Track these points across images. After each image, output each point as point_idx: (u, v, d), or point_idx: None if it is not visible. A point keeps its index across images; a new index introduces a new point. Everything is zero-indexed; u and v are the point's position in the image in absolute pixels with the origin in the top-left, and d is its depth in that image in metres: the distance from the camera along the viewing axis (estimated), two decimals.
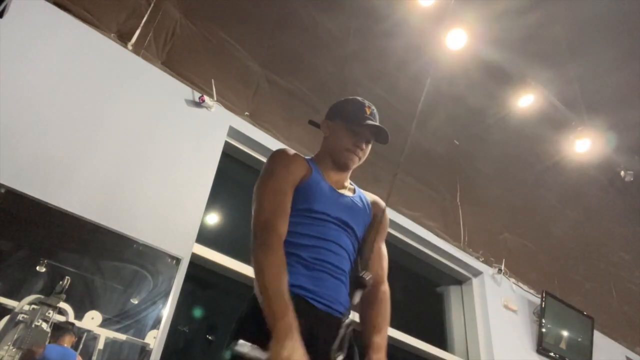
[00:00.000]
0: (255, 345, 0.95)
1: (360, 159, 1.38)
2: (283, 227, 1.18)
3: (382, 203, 1.44)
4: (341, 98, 1.46)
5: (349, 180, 1.44)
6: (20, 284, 1.56)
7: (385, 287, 1.31)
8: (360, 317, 1.26)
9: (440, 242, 3.28)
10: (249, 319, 1.11)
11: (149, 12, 2.31)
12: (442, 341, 3.26)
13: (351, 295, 1.21)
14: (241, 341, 0.95)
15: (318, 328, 1.11)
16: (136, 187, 1.95)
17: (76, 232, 1.74)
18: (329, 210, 1.27)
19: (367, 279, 1.16)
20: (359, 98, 1.42)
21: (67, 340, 1.60)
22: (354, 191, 1.42)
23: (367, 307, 1.26)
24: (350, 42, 2.92)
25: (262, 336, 1.03)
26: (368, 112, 1.37)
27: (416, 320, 3.22)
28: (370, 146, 1.40)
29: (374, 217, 1.41)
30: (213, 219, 2.41)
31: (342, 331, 1.06)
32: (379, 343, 1.19)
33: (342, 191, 1.37)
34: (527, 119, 3.26)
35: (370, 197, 1.45)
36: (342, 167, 1.38)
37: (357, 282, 1.16)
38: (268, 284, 1.05)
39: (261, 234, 1.15)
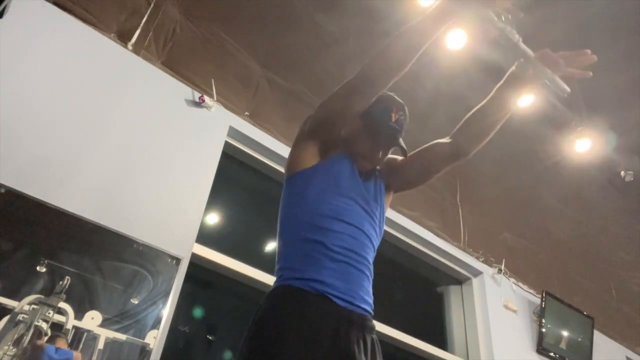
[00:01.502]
0: None
1: (376, 165, 1.34)
2: None
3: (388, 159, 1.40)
4: None
5: None
6: (20, 284, 1.56)
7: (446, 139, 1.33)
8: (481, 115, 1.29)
9: (440, 242, 3.28)
10: (268, 315, 1.07)
11: (149, 12, 2.31)
12: (442, 341, 3.26)
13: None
14: None
15: (340, 326, 1.07)
16: (136, 187, 1.95)
17: (76, 232, 1.74)
18: (354, 192, 1.23)
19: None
20: (391, 96, 1.31)
21: (62, 344, 1.59)
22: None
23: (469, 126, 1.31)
24: (350, 42, 2.92)
25: (282, 333, 1.01)
26: (394, 119, 1.25)
27: (416, 320, 3.22)
28: (390, 151, 1.33)
29: (388, 170, 1.39)
30: (213, 219, 2.41)
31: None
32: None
33: (364, 172, 1.33)
34: (527, 119, 3.25)
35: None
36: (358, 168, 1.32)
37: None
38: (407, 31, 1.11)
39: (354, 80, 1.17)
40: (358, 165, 1.29)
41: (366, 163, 1.30)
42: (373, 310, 1.20)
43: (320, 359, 1.00)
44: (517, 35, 1.07)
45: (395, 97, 1.31)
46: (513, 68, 1.21)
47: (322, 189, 1.20)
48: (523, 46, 1.09)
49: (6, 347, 1.46)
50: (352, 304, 1.12)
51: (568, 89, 1.10)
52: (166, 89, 2.25)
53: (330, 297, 1.09)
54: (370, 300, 1.19)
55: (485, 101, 1.25)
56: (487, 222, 3.70)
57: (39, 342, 1.53)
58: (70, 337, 1.61)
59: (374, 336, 1.16)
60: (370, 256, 1.23)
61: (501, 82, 1.23)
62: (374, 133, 1.26)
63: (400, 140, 1.28)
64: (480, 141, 1.27)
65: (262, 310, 1.09)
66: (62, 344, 1.59)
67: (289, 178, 1.28)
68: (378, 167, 1.38)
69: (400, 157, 1.39)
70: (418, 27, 1.10)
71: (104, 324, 1.68)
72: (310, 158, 1.25)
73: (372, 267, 1.23)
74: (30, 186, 1.67)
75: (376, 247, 1.28)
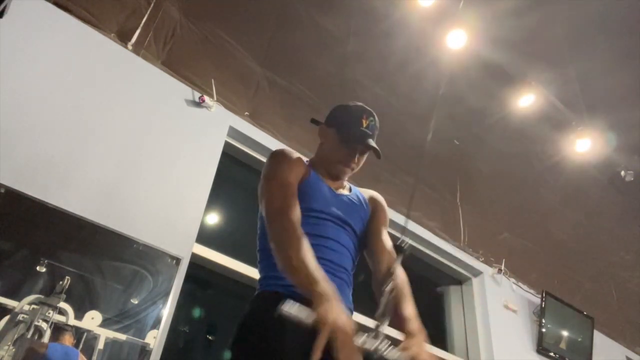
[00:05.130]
0: (303, 306, 0.91)
1: (353, 169, 1.37)
2: (297, 212, 1.17)
3: (379, 197, 1.45)
4: (343, 102, 1.41)
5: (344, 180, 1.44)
6: (20, 284, 1.57)
7: (399, 271, 1.27)
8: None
9: (440, 242, 3.28)
10: (252, 320, 1.11)
11: (149, 12, 2.31)
12: (442, 341, 3.27)
13: (389, 266, 1.18)
14: (290, 301, 0.92)
15: None
16: (136, 187, 1.95)
17: (76, 232, 1.74)
18: (327, 209, 1.27)
19: (404, 245, 1.09)
20: (360, 106, 1.38)
21: (67, 340, 1.60)
22: (349, 189, 1.42)
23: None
24: (350, 42, 2.92)
25: (266, 337, 1.04)
26: (365, 125, 1.32)
27: None
28: (365, 156, 1.37)
29: (373, 211, 1.41)
30: (213, 219, 2.41)
31: (383, 299, 1.02)
32: (411, 313, 1.18)
33: (339, 191, 1.37)
34: (527, 119, 3.26)
35: (366, 193, 1.45)
36: (334, 177, 1.37)
37: (396, 249, 1.10)
38: (294, 257, 1.03)
39: (277, 219, 1.14)
40: (328, 182, 1.35)
41: (344, 168, 1.35)
42: (352, 314, 1.23)
43: None
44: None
45: (365, 106, 1.38)
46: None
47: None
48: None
49: (6, 347, 1.46)
50: None
51: None
52: (166, 89, 2.25)
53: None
54: (351, 306, 1.23)
55: (397, 299, 1.21)
56: (487, 222, 3.70)
57: (41, 342, 1.53)
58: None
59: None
60: (348, 265, 1.26)
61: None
62: (347, 139, 1.32)
63: (372, 142, 1.33)
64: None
65: (245, 315, 1.13)
66: (67, 339, 1.59)
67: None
68: (366, 199, 1.42)
69: (385, 223, 1.41)
70: (296, 275, 1.02)
71: (104, 324, 1.68)
72: None
73: (351, 275, 1.27)
74: (30, 186, 1.67)
75: (355, 258, 1.32)
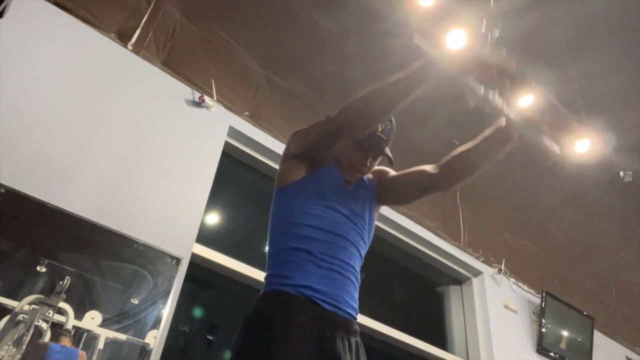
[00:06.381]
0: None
1: (364, 173, 1.37)
2: None
3: (380, 167, 1.45)
4: None
5: None
6: (20, 284, 1.56)
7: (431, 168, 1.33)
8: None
9: (440, 242, 3.28)
10: (256, 318, 1.11)
11: (149, 12, 2.30)
12: (442, 341, 3.26)
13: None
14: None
15: (326, 328, 1.11)
16: (136, 187, 1.95)
17: (76, 232, 1.74)
18: (340, 200, 1.27)
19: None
20: None
21: (66, 342, 1.60)
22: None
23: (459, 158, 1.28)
24: (350, 42, 2.92)
25: (270, 336, 1.04)
26: (380, 129, 1.30)
27: (416, 320, 3.22)
28: (378, 160, 1.37)
29: (379, 180, 1.42)
30: (213, 219, 2.41)
31: None
32: None
33: (351, 182, 1.36)
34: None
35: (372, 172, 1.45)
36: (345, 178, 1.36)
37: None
38: (380, 87, 1.08)
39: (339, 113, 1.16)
40: (345, 175, 1.34)
41: (355, 172, 1.34)
42: (357, 315, 1.23)
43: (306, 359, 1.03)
44: (500, 102, 1.00)
45: None
46: (500, 123, 1.19)
47: (309, 201, 1.24)
48: (507, 112, 1.04)
49: (6, 347, 1.46)
50: (337, 307, 1.16)
51: (557, 149, 1.08)
52: (166, 89, 2.25)
53: (316, 300, 1.13)
54: (356, 305, 1.23)
55: (472, 144, 1.26)
56: (487, 222, 3.70)
57: (43, 341, 1.53)
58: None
59: (358, 339, 1.20)
60: (357, 263, 1.27)
61: (488, 131, 1.22)
62: (361, 143, 1.30)
63: (387, 149, 1.32)
64: (460, 181, 1.31)
65: (250, 314, 1.13)
66: (66, 342, 1.59)
67: (278, 191, 1.33)
68: (370, 177, 1.43)
69: (392, 172, 1.44)
70: (397, 86, 1.07)
71: (104, 324, 1.68)
72: (297, 173, 1.29)
73: (358, 274, 1.27)
74: (30, 186, 1.67)
75: (363, 255, 1.32)
